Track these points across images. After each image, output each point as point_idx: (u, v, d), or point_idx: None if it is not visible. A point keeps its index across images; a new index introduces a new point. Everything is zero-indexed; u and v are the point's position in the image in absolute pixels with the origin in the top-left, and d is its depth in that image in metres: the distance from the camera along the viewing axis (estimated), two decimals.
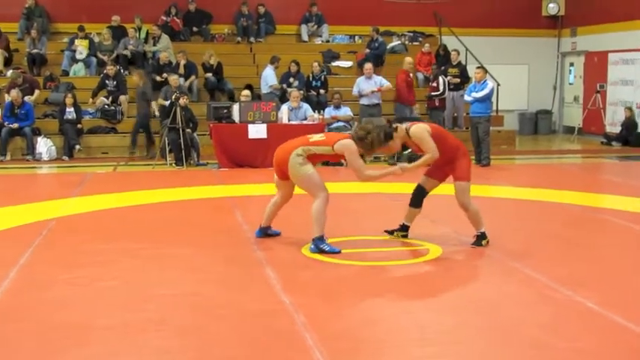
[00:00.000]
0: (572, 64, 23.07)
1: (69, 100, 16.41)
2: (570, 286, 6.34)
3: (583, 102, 21.81)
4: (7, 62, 18.65)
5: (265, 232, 8.33)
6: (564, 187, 12.08)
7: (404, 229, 8.26)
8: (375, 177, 7.86)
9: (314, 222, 7.63)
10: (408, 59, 17.31)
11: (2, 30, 18.84)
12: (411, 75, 17.03)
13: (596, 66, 21.25)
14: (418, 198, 8.10)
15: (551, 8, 22.71)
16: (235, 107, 15.01)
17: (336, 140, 7.64)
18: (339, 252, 7.58)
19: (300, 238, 8.08)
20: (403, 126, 7.74)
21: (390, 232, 8.31)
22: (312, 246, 7.66)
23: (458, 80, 17.96)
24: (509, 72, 21.52)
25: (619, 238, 8.77)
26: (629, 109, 19.43)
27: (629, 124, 19.33)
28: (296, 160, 7.60)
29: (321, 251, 7.58)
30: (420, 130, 7.65)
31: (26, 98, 16.61)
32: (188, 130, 15.07)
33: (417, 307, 6.03)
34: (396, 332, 5.42)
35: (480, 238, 7.87)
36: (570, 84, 23.15)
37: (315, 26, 21.26)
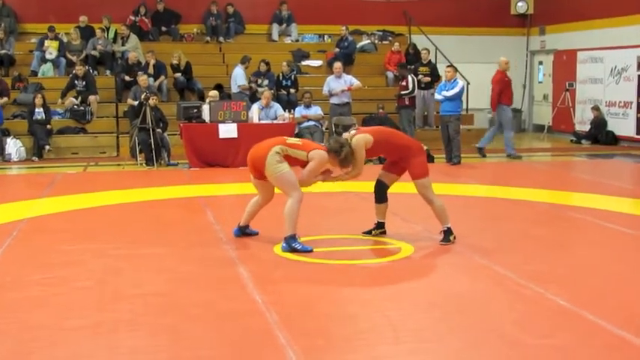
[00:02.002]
0: (541, 63, 23.25)
1: (38, 100, 16.31)
2: (541, 284, 6.39)
3: (552, 100, 21.98)
4: None
5: (243, 231, 8.33)
6: (534, 185, 12.19)
7: (380, 226, 8.32)
8: (312, 182, 7.92)
9: (286, 221, 7.65)
10: (504, 59, 16.95)
11: None
12: (509, 75, 16.63)
13: (565, 64, 21.43)
14: (380, 193, 8.14)
15: (520, 7, 22.87)
16: (205, 107, 15.00)
17: (313, 148, 7.74)
18: (310, 250, 7.60)
19: (272, 237, 8.09)
20: (347, 134, 7.80)
21: (368, 232, 8.34)
22: (284, 244, 7.67)
23: (428, 79, 18.06)
24: (479, 70, 21.61)
25: (589, 236, 8.86)
26: (596, 108, 19.61)
27: (598, 122, 19.52)
28: (273, 158, 7.61)
29: (293, 250, 7.60)
30: (358, 141, 7.67)
31: None
32: (158, 130, 15.03)
33: (390, 305, 6.05)
34: (369, 330, 5.44)
35: (447, 234, 7.92)
36: (539, 82, 23.32)
37: (285, 25, 21.27)
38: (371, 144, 7.68)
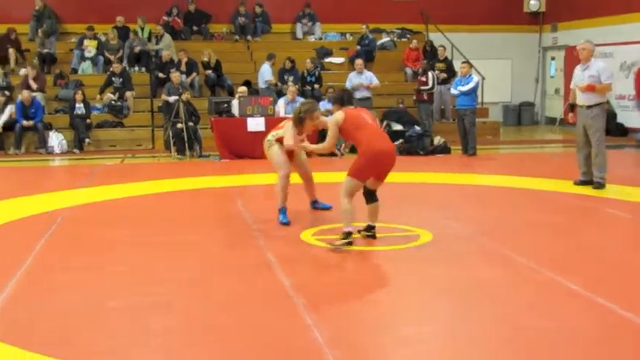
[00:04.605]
0: (553, 58, 23.08)
1: (78, 96, 16.47)
2: (553, 269, 6.35)
3: (564, 94, 21.80)
4: (17, 61, 18.66)
5: (314, 206, 8.94)
6: (547, 175, 12.12)
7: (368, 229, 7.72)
8: (294, 146, 8.26)
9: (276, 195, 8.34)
10: None
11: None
12: None
13: (576, 59, 21.08)
14: (366, 196, 7.61)
15: (533, 5, 22.72)
16: (235, 102, 15.04)
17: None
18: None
19: (299, 225, 8.12)
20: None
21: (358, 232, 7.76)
22: None
23: (445, 75, 17.99)
24: (494, 66, 21.51)
25: (600, 223, 8.80)
26: (606, 102, 19.39)
27: (607, 115, 19.31)
28: (265, 145, 8.45)
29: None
30: (331, 120, 7.47)
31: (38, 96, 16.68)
32: (191, 124, 15.08)
33: (410, 289, 6.04)
34: (390, 313, 5.45)
35: (342, 238, 7.18)
36: (552, 77, 23.16)
37: (310, 23, 21.26)
38: (341, 122, 7.32)
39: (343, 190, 7.25)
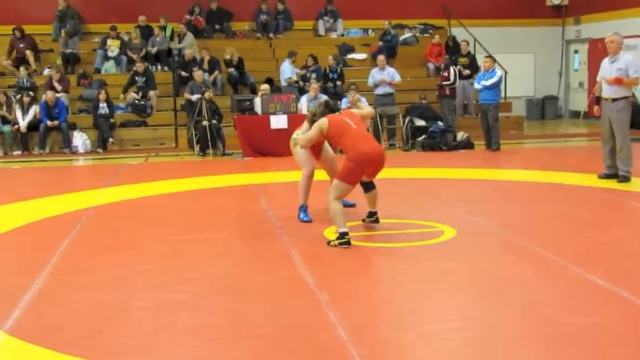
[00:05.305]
0: (576, 51, 22.92)
1: (102, 96, 16.57)
2: (580, 264, 6.30)
3: (588, 87, 21.64)
4: (36, 61, 18.81)
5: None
6: (571, 169, 12.04)
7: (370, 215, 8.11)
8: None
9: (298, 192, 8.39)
10: None
11: (38, 32, 19.14)
12: None
13: (600, 52, 21.02)
14: (364, 186, 7.93)
15: None
16: (257, 100, 15.08)
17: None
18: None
19: (322, 222, 8.11)
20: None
21: (363, 220, 8.15)
22: None
23: (468, 72, 17.93)
24: (517, 60, 21.40)
25: (625, 218, 8.72)
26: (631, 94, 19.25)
27: (632, 108, 19.13)
28: (290, 144, 8.47)
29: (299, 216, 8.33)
30: (317, 123, 7.69)
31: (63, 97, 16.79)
32: (213, 122, 15.13)
33: (433, 286, 6.01)
34: (413, 310, 5.43)
35: (337, 238, 7.19)
36: (575, 70, 22.99)
37: (332, 20, 21.24)
38: (326, 131, 7.58)
39: (333, 193, 7.31)
